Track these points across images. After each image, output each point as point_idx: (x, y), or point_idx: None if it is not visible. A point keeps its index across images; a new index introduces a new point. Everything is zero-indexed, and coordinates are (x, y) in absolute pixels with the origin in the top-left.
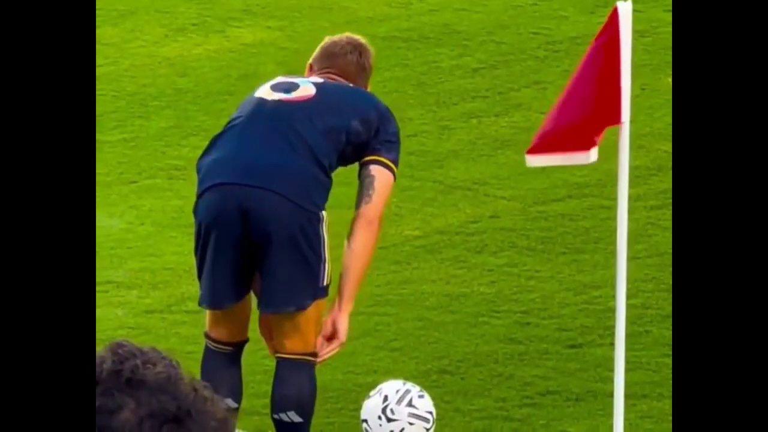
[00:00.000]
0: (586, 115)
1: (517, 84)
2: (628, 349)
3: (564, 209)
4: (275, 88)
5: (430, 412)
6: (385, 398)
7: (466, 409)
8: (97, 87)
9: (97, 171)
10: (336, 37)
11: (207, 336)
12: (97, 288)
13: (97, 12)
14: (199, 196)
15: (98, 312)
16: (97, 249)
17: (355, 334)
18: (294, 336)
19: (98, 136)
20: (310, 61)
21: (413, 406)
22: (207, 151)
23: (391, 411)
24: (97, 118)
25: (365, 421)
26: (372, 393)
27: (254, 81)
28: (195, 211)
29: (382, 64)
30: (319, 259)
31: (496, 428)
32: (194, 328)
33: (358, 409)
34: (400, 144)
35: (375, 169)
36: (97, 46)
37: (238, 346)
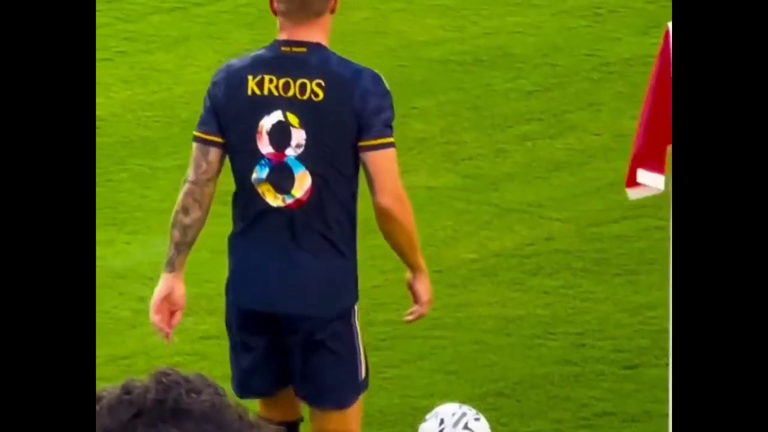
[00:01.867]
0: (652, 140)
1: (571, 106)
2: None
3: (619, 230)
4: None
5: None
6: (441, 421)
7: (522, 431)
8: (151, 113)
9: (152, 197)
10: None
11: (259, 416)
12: None
13: (151, 38)
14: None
15: (154, 339)
16: (153, 275)
17: (411, 357)
18: (337, 426)
19: (152, 163)
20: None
21: (469, 429)
22: (231, 247)
23: (462, 417)
24: (152, 145)
25: None
26: (428, 416)
27: None
28: (226, 301)
29: (437, 88)
30: (355, 351)
31: None
32: None
33: None
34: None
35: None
36: (151, 73)
37: (293, 426)
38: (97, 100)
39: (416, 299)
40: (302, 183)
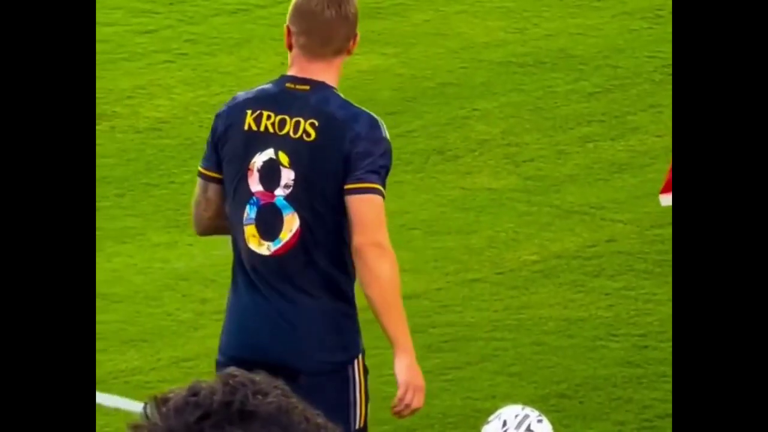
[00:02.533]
0: None
1: (633, 108)
2: None
3: None
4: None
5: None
6: (504, 423)
7: None
8: (213, 115)
9: None
10: None
11: None
12: None
13: (213, 40)
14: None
15: (217, 341)
16: (215, 277)
17: (473, 359)
18: None
19: None
20: (287, 22)
21: (532, 431)
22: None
23: (525, 419)
24: None
25: None
26: (491, 418)
27: (370, 107)
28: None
29: (498, 89)
30: (347, 406)
31: None
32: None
33: None
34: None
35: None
36: (214, 75)
37: None
38: (160, 102)
39: (399, 387)
40: (290, 225)
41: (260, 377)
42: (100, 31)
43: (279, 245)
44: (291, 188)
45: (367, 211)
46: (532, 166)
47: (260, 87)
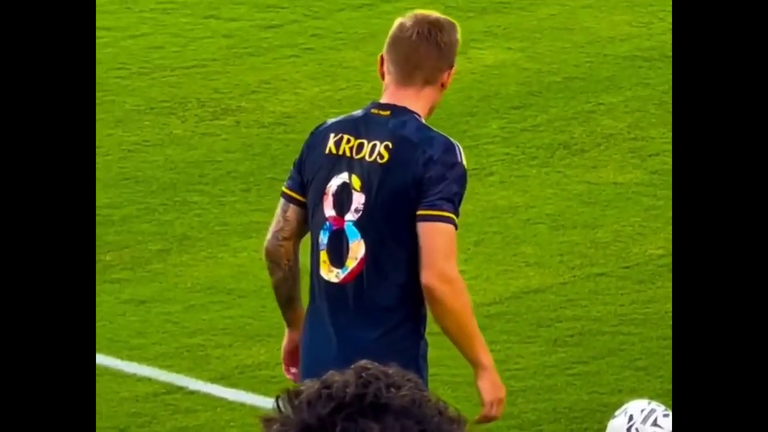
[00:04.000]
0: None
1: None
2: None
3: None
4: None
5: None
6: (630, 418)
7: None
8: (339, 110)
9: None
10: (404, 18)
11: None
12: None
13: (338, 35)
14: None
15: None
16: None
17: (600, 353)
18: None
19: None
20: (383, 51)
21: (659, 426)
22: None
23: (636, 430)
24: None
25: None
26: (617, 413)
27: (495, 102)
28: None
29: (624, 84)
30: None
31: None
32: (439, 350)
33: (603, 429)
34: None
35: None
36: (339, 70)
37: None
38: (285, 96)
39: (480, 400)
40: (356, 252)
41: (393, 370)
42: (225, 27)
43: (346, 273)
44: (360, 213)
45: (437, 240)
46: (658, 161)
47: (350, 113)
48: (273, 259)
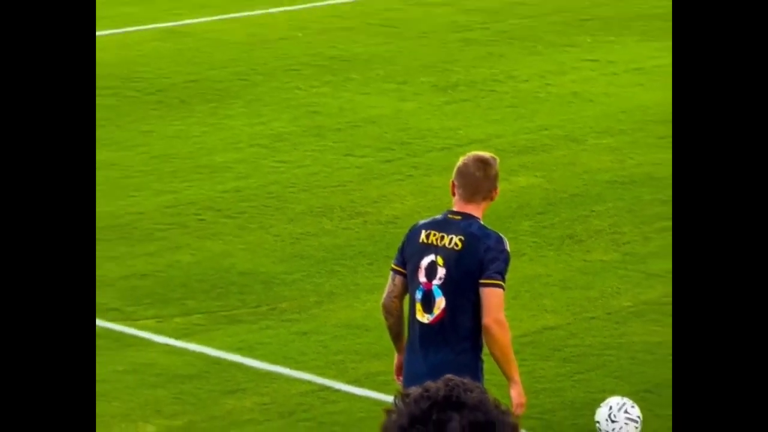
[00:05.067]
0: None
1: None
2: None
3: None
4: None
5: (639, 417)
6: (610, 408)
7: None
8: (428, 214)
9: None
10: (466, 158)
11: None
12: None
13: (429, 167)
14: None
15: None
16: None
17: (591, 367)
18: None
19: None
20: (453, 178)
21: (628, 413)
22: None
23: (614, 416)
24: None
25: (598, 422)
26: (602, 405)
27: (526, 209)
28: None
29: (607, 198)
30: None
31: None
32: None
33: (594, 416)
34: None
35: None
36: (428, 189)
37: None
38: (395, 205)
39: (511, 403)
40: (440, 305)
41: (467, 380)
42: (358, 161)
43: (433, 317)
44: (442, 280)
45: (493, 298)
46: (628, 247)
47: (434, 217)
48: (387, 310)
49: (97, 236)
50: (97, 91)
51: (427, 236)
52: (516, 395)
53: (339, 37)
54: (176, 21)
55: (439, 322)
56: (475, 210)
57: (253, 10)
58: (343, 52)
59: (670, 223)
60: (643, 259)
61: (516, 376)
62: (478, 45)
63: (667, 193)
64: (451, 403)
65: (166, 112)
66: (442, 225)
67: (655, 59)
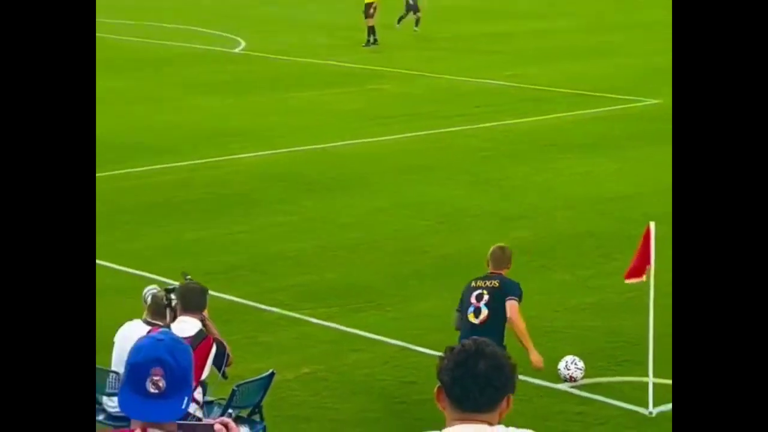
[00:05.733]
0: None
1: None
2: None
3: None
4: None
5: (583, 367)
6: (566, 361)
7: None
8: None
9: None
10: (493, 248)
11: None
12: None
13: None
14: None
15: None
16: None
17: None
18: None
19: None
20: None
21: (576, 365)
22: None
23: (572, 362)
24: None
25: (559, 369)
26: (565, 358)
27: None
28: None
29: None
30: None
31: None
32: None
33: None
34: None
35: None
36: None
37: None
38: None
39: (532, 365)
40: (485, 313)
41: (487, 340)
42: None
43: (479, 320)
44: (486, 301)
45: (513, 308)
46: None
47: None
48: (457, 326)
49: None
50: None
51: (476, 281)
52: (534, 358)
53: None
54: None
55: (484, 323)
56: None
57: None
58: None
59: None
60: None
61: (531, 346)
62: None
63: None
64: (478, 352)
65: None
66: (485, 278)
67: None
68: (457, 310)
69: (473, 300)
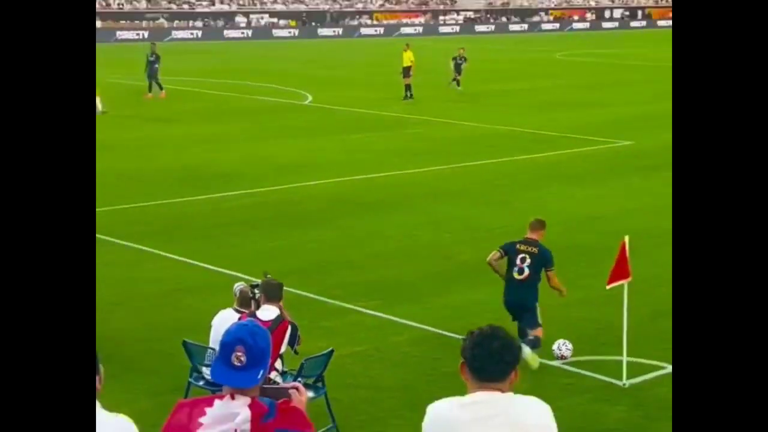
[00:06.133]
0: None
1: None
2: None
3: None
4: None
5: (572, 347)
6: (559, 343)
7: None
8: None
9: None
10: (532, 220)
11: None
12: None
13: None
14: None
15: None
16: None
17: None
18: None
19: None
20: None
21: (566, 346)
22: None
23: (563, 344)
24: None
25: (553, 349)
26: (558, 341)
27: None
28: None
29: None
30: (535, 316)
31: None
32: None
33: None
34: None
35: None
36: None
37: None
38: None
39: (562, 294)
40: (525, 274)
41: (499, 327)
42: None
43: (522, 276)
44: (528, 264)
45: (553, 277)
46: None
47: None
48: (491, 261)
49: None
50: None
51: (520, 244)
52: (564, 292)
53: None
54: None
55: (525, 280)
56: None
57: None
58: None
59: None
60: None
61: (563, 288)
62: None
63: None
64: (493, 335)
65: None
66: (526, 242)
67: None
68: (498, 251)
69: (518, 262)
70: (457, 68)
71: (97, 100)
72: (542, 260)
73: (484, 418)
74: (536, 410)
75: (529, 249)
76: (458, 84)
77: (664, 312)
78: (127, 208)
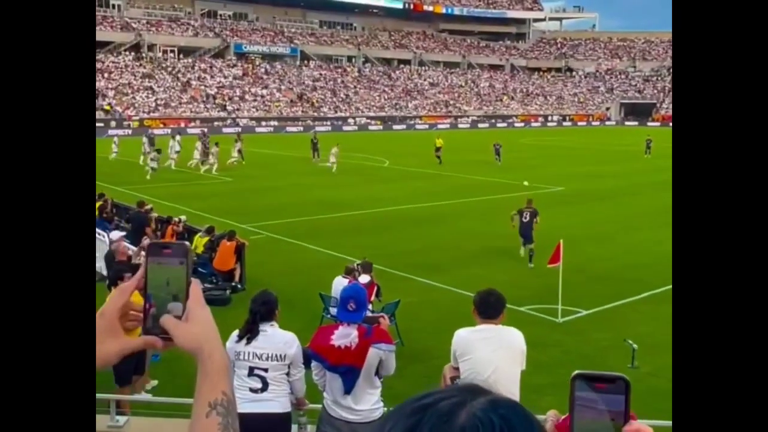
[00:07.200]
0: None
1: None
2: None
3: None
4: None
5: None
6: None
7: None
8: None
9: None
10: (528, 199)
11: None
12: None
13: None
14: None
15: None
16: None
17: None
18: None
19: None
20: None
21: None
22: None
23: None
24: None
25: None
26: None
27: None
28: None
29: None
30: None
31: None
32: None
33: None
34: None
35: None
36: None
37: None
38: None
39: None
40: (526, 219)
41: (495, 290)
42: None
43: (526, 221)
44: (530, 213)
45: (536, 222)
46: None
47: None
48: (514, 224)
49: None
50: None
51: (524, 210)
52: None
53: None
54: None
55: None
56: None
57: None
58: None
59: None
60: None
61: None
62: None
63: None
64: (490, 293)
65: None
66: (528, 207)
67: None
68: (515, 214)
69: (525, 213)
70: (497, 152)
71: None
72: (534, 213)
73: (486, 338)
74: (516, 335)
75: (530, 209)
76: (499, 159)
77: (592, 277)
78: (293, 222)
